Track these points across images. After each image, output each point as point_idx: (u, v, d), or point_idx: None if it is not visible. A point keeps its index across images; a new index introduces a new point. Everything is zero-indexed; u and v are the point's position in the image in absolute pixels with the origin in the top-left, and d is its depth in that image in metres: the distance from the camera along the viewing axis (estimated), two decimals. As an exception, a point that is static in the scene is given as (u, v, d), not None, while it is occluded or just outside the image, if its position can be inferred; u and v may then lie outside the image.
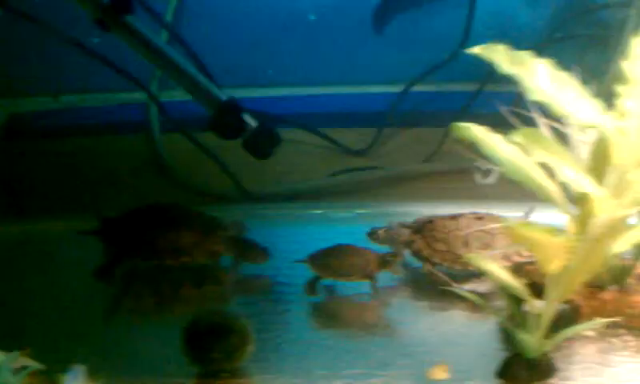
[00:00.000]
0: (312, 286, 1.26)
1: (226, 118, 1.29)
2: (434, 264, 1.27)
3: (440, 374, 1.08)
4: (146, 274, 1.32)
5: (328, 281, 1.27)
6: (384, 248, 1.30)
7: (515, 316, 1.08)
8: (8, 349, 1.02)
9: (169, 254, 1.27)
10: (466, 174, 1.52)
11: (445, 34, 1.82)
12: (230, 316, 1.12)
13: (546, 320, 1.04)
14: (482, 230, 1.26)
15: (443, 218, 1.29)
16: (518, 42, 1.72)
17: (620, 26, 1.60)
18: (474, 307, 1.17)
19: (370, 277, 1.25)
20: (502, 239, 1.25)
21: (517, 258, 1.25)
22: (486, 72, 1.72)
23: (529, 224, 0.98)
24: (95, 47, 1.80)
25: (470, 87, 1.78)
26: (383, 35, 1.87)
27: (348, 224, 1.49)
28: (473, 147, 1.11)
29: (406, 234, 1.30)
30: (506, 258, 1.24)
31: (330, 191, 1.60)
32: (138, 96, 1.90)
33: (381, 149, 1.74)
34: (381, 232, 1.31)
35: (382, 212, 1.51)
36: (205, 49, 1.68)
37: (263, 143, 1.33)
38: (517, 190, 1.39)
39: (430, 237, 1.27)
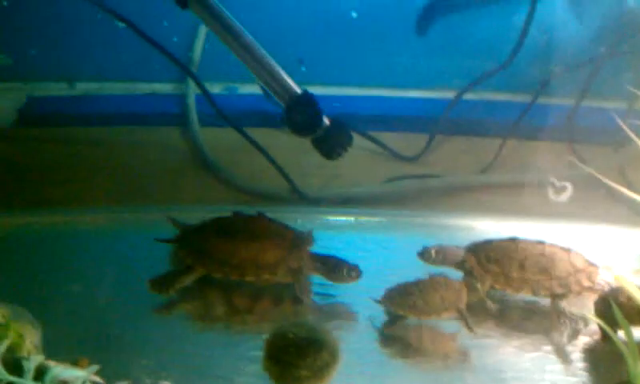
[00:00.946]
0: (392, 324, 1.16)
1: (302, 113, 1.21)
2: (485, 285, 1.20)
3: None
4: (220, 284, 1.23)
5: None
6: (436, 268, 1.23)
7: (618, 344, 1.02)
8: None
9: (250, 270, 1.18)
10: (526, 187, 1.49)
11: (494, 42, 1.77)
12: (318, 329, 1.03)
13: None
14: (541, 255, 1.20)
15: (502, 240, 1.24)
16: (567, 54, 1.72)
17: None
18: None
19: (461, 312, 1.15)
20: (560, 265, 1.20)
21: (576, 287, 1.19)
22: (539, 84, 1.73)
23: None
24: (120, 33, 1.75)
25: (522, 98, 1.73)
26: (430, 40, 1.81)
27: (406, 232, 1.43)
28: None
29: (459, 253, 1.24)
30: (563, 285, 1.19)
31: (386, 198, 1.52)
32: (160, 87, 1.84)
33: (431, 156, 1.67)
34: (432, 251, 1.24)
35: (439, 223, 1.45)
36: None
37: (335, 142, 1.25)
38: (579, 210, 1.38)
39: (484, 257, 1.21)
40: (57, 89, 1.85)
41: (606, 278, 1.20)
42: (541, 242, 1.22)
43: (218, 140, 1.66)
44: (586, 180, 1.36)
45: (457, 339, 1.15)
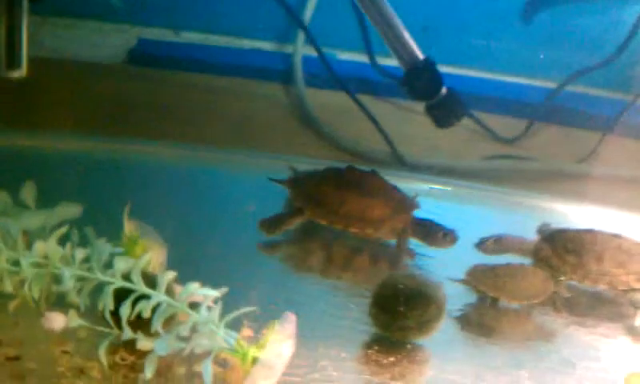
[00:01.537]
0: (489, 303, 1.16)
1: (422, 77, 1.24)
2: (561, 275, 1.20)
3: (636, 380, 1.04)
4: (321, 233, 1.27)
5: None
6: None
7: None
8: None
9: (355, 222, 1.22)
10: (623, 182, 1.51)
11: (600, 38, 1.77)
12: (428, 284, 1.06)
13: None
14: (618, 249, 1.20)
15: (578, 230, 1.23)
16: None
17: None
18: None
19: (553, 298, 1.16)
20: (637, 260, 1.19)
21: None
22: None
23: None
24: None
25: (624, 96, 1.73)
26: (536, 29, 1.82)
27: (501, 208, 1.46)
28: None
29: (523, 242, 1.24)
30: (637, 277, 1.18)
31: (484, 173, 1.55)
32: (263, 45, 1.89)
33: (530, 141, 1.69)
34: (490, 242, 1.24)
35: (533, 204, 1.48)
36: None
37: (449, 112, 1.28)
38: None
39: (562, 247, 1.20)
40: (164, 34, 1.92)
41: None
42: (617, 236, 1.22)
43: (321, 100, 1.71)
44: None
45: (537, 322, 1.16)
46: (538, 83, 1.80)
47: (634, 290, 1.18)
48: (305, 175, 1.30)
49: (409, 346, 1.05)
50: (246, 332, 0.99)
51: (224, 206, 1.33)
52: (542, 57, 1.78)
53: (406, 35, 1.25)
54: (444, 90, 1.27)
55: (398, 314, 1.03)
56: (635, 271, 1.18)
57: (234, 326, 0.95)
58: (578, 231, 1.22)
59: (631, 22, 1.68)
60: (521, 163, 1.60)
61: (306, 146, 1.60)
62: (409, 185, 1.47)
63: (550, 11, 1.82)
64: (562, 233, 1.22)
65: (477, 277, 1.15)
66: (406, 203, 1.25)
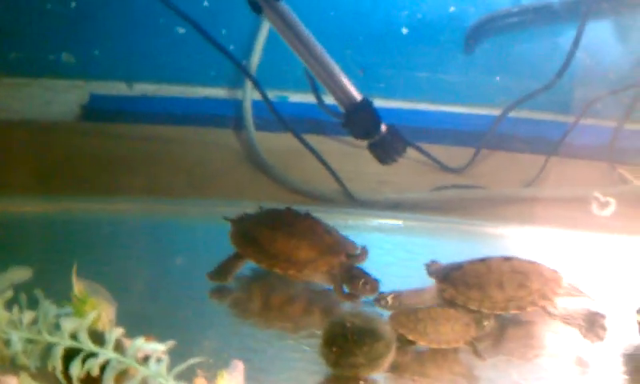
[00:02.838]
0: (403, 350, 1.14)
1: (360, 118, 1.28)
2: (470, 311, 1.19)
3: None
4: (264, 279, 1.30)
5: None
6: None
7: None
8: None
9: (280, 262, 1.23)
10: (568, 202, 1.55)
11: (540, 63, 1.83)
12: (375, 320, 1.09)
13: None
14: (514, 271, 1.21)
15: (471, 262, 1.23)
16: (611, 77, 1.78)
17: None
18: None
19: (471, 343, 1.15)
20: (533, 278, 1.21)
21: (552, 295, 1.21)
22: (583, 105, 1.78)
23: None
24: (182, 37, 1.84)
25: (565, 118, 1.79)
26: (478, 59, 1.88)
27: (451, 238, 1.50)
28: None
29: (420, 293, 1.22)
30: (542, 296, 1.20)
31: (433, 205, 1.59)
32: (215, 91, 1.93)
33: (477, 169, 1.74)
34: (389, 298, 1.21)
35: (482, 231, 1.52)
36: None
37: (390, 148, 1.32)
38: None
39: (462, 284, 1.20)
40: (117, 88, 1.95)
41: (572, 283, 1.23)
42: (507, 258, 1.23)
43: (271, 143, 1.74)
44: (627, 197, 1.41)
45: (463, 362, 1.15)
46: (482, 111, 1.85)
47: (542, 306, 1.20)
48: (248, 215, 1.32)
49: (361, 383, 1.07)
50: (199, 382, 1.00)
51: (177, 257, 1.34)
52: (497, 79, 1.84)
53: (342, 78, 1.29)
54: (383, 128, 1.31)
55: (347, 352, 1.05)
56: (536, 289, 1.20)
57: (188, 376, 0.96)
58: (471, 263, 1.22)
59: (567, 47, 1.74)
60: (468, 192, 1.64)
61: (258, 190, 1.63)
62: (359, 221, 1.52)
63: (491, 41, 1.88)
64: (456, 270, 1.22)
65: (399, 321, 1.14)
66: (335, 247, 1.25)
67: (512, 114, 1.82)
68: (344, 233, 1.33)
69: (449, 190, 1.63)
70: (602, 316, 1.17)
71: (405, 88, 1.85)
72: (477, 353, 1.14)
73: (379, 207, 1.57)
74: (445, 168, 1.75)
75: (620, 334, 1.19)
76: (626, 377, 1.11)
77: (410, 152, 1.73)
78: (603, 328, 1.16)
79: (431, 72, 1.85)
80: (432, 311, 1.15)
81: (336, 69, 1.29)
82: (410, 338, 1.13)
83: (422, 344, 1.14)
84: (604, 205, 1.39)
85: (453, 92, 1.86)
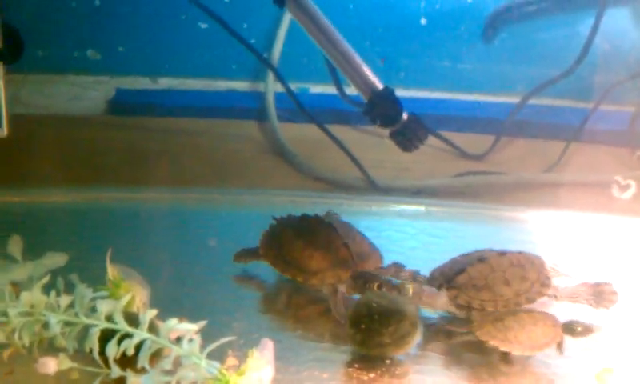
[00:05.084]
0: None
1: (382, 106, 1.30)
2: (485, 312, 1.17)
3: (606, 377, 1.08)
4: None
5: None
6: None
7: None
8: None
9: (291, 268, 1.25)
10: (592, 187, 1.57)
11: (558, 50, 1.85)
12: (400, 300, 1.11)
13: None
14: (512, 265, 1.20)
15: (470, 262, 1.21)
16: (630, 62, 1.79)
17: None
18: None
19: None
20: (530, 269, 1.20)
21: (549, 283, 1.20)
22: (602, 90, 1.80)
23: None
24: (204, 32, 1.88)
25: (584, 104, 1.80)
26: (497, 47, 1.90)
27: (473, 222, 1.52)
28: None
29: (436, 292, 1.19)
30: (543, 284, 1.20)
31: (454, 190, 1.62)
32: (237, 84, 1.96)
33: (497, 156, 1.76)
34: (411, 290, 1.18)
35: (503, 216, 1.54)
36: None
37: (412, 136, 1.34)
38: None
39: (471, 287, 1.18)
40: (141, 83, 1.99)
41: (553, 265, 1.25)
42: (502, 253, 1.22)
43: (294, 133, 1.78)
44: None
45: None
46: (502, 99, 1.87)
47: (547, 294, 1.20)
48: (287, 218, 1.34)
49: (388, 362, 1.09)
50: (231, 361, 1.03)
51: (206, 243, 1.38)
52: (517, 67, 1.85)
53: (363, 67, 1.31)
54: (405, 116, 1.33)
55: (374, 332, 1.08)
56: (537, 279, 1.20)
57: (220, 357, 1.00)
58: (472, 265, 1.20)
59: (586, 33, 1.75)
60: (489, 177, 1.66)
61: (282, 180, 1.66)
62: (382, 207, 1.55)
63: (509, 30, 1.90)
64: (460, 274, 1.19)
65: (488, 331, 1.12)
66: (348, 261, 1.24)
67: (532, 102, 1.84)
68: (366, 219, 1.36)
69: (470, 175, 1.65)
70: (606, 283, 1.19)
71: (425, 77, 1.88)
72: (560, 349, 1.12)
73: (401, 193, 1.60)
74: (465, 155, 1.77)
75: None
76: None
77: (431, 140, 1.75)
78: (612, 292, 1.18)
79: (451, 61, 1.87)
80: (518, 317, 1.14)
81: (357, 59, 1.31)
82: (503, 348, 1.11)
83: (517, 353, 1.11)
84: (624, 188, 1.40)
85: (472, 80, 1.88)
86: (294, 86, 1.89)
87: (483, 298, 1.17)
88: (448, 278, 1.19)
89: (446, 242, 1.37)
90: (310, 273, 1.23)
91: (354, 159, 1.65)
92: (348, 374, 1.07)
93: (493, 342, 1.10)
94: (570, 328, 1.14)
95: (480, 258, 1.21)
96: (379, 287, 1.18)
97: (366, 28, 1.85)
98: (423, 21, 1.86)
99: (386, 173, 1.67)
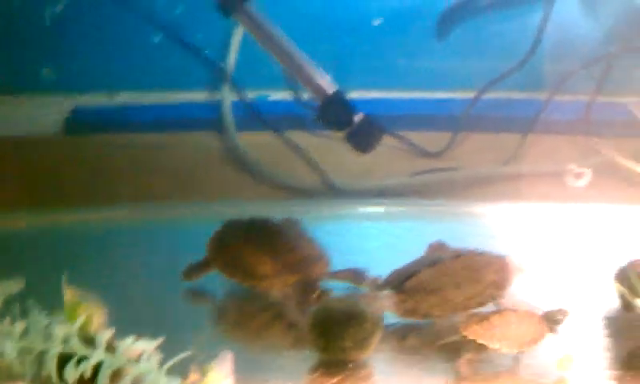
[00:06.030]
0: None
1: (333, 110, 1.31)
2: (431, 318, 1.17)
3: (564, 365, 1.09)
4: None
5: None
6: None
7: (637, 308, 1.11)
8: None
9: (238, 273, 1.24)
10: (549, 177, 1.59)
11: (512, 43, 1.86)
12: (359, 302, 1.11)
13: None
14: (463, 268, 1.19)
15: (423, 265, 1.19)
16: (583, 52, 1.81)
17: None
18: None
19: None
20: (484, 271, 1.19)
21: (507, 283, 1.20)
22: (556, 81, 1.81)
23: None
24: (158, 45, 1.87)
25: (539, 95, 1.82)
26: (450, 43, 1.90)
27: (433, 220, 1.53)
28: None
29: (384, 296, 1.17)
30: (499, 287, 1.19)
31: (413, 189, 1.62)
32: (195, 96, 1.95)
33: (455, 152, 1.77)
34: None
35: (463, 211, 1.55)
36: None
37: (367, 137, 1.34)
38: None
39: (421, 291, 1.17)
40: (98, 100, 1.97)
41: (523, 263, 1.24)
42: (457, 255, 1.21)
43: (253, 142, 1.77)
44: (601, 167, 1.44)
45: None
46: (459, 95, 1.88)
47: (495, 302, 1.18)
48: (232, 222, 1.32)
49: (351, 365, 1.09)
50: (193, 376, 1.03)
51: (165, 259, 1.37)
52: (472, 62, 1.84)
53: (313, 72, 1.31)
54: (358, 117, 1.33)
55: (335, 336, 1.08)
56: (492, 282, 1.18)
57: (181, 372, 0.99)
58: (423, 267, 1.18)
59: (536, 25, 1.77)
60: (447, 174, 1.67)
61: (244, 189, 1.66)
62: (343, 210, 1.55)
63: (463, 25, 1.91)
64: (411, 278, 1.17)
65: (474, 330, 1.10)
66: (297, 266, 1.23)
67: (488, 96, 1.85)
68: (328, 224, 1.36)
69: (428, 173, 1.66)
70: (559, 311, 1.15)
71: (380, 77, 1.88)
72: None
73: (362, 195, 1.60)
74: (424, 153, 1.77)
75: (599, 299, 1.22)
76: (609, 338, 1.15)
77: (390, 140, 1.78)
78: (556, 321, 1.15)
79: (405, 59, 1.87)
80: (504, 314, 1.12)
81: (307, 63, 1.32)
82: (492, 346, 1.10)
83: (507, 350, 1.10)
84: (578, 176, 1.42)
85: (428, 78, 1.89)
86: (253, 94, 1.89)
87: (431, 302, 1.16)
88: (398, 281, 1.18)
89: (406, 243, 1.38)
90: (257, 278, 1.22)
91: (313, 164, 1.65)
92: (312, 381, 1.07)
93: (481, 341, 1.10)
94: (553, 319, 1.14)
95: (433, 260, 1.20)
96: (318, 296, 1.18)
97: (318, 31, 1.85)
98: (376, 21, 1.87)
99: (347, 176, 1.67)
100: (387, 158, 1.73)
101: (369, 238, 1.41)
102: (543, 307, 1.15)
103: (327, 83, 1.32)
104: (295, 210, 1.49)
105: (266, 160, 1.71)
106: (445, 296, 1.16)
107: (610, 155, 1.44)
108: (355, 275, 1.21)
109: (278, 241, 1.24)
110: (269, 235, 1.26)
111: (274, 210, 1.45)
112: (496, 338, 1.10)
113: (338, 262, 1.28)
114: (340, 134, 1.41)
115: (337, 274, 1.23)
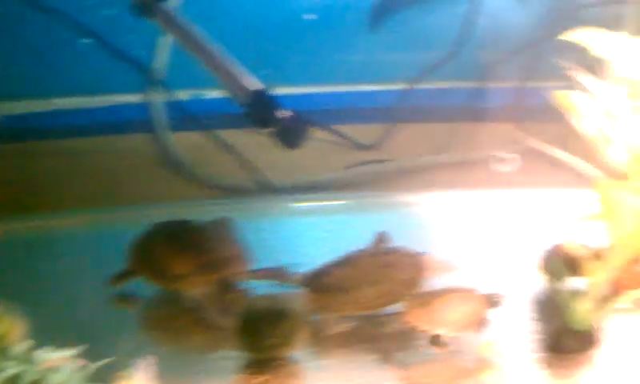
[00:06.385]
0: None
1: (256, 108, 1.30)
2: (346, 317, 1.17)
3: (489, 349, 1.10)
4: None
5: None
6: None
7: (561, 292, 1.13)
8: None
9: (152, 274, 1.22)
10: (479, 164, 1.60)
11: (443, 32, 1.87)
12: (284, 298, 1.11)
13: (594, 293, 1.09)
14: (380, 266, 1.18)
15: (339, 264, 1.18)
16: (511, 40, 1.83)
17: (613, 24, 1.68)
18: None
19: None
20: (403, 268, 1.18)
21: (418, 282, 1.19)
22: (485, 69, 1.83)
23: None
24: (86, 49, 1.84)
25: (470, 84, 1.84)
26: (383, 36, 1.91)
27: (367, 212, 1.53)
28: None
29: (299, 294, 1.16)
30: (410, 285, 1.17)
31: (347, 183, 1.63)
32: (125, 98, 1.92)
33: (390, 143, 1.78)
34: None
35: (396, 202, 1.55)
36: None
37: (294, 133, 1.34)
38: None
39: (335, 288, 1.15)
40: (29, 107, 1.93)
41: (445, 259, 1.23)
42: (373, 253, 1.21)
43: (187, 142, 1.75)
44: (530, 153, 1.46)
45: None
46: (393, 87, 1.89)
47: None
48: (153, 224, 1.29)
49: (279, 362, 1.09)
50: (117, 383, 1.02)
51: (94, 265, 1.35)
52: (405, 53, 1.84)
53: (236, 70, 1.30)
54: (283, 114, 1.33)
55: (262, 334, 1.07)
56: (406, 280, 1.17)
57: (106, 379, 0.97)
58: (339, 265, 1.17)
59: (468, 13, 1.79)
60: (377, 166, 1.68)
61: (176, 191, 1.64)
62: (277, 207, 1.55)
63: (395, 17, 1.92)
64: (325, 275, 1.16)
65: (416, 314, 1.10)
66: (214, 265, 1.21)
67: (422, 86, 1.87)
68: (263, 221, 1.36)
69: (359, 166, 1.67)
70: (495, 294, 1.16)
71: (313, 72, 1.88)
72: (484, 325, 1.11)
73: (296, 191, 1.59)
74: (359, 146, 1.78)
75: (526, 283, 1.24)
76: (535, 321, 1.17)
77: (325, 134, 1.79)
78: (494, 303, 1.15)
79: (338, 54, 1.88)
80: (445, 298, 1.12)
81: (230, 62, 1.31)
82: (434, 331, 1.10)
83: (449, 334, 1.10)
84: (504, 162, 1.43)
85: (361, 71, 1.89)
86: (188, 93, 1.87)
87: (343, 300, 1.15)
88: (313, 279, 1.17)
89: (338, 236, 1.38)
90: (175, 279, 1.21)
91: (245, 161, 1.63)
92: (242, 380, 1.07)
93: (421, 326, 1.10)
94: (493, 301, 1.14)
95: (348, 259, 1.19)
96: (235, 296, 1.18)
97: (249, 28, 1.84)
98: (307, 16, 1.87)
99: (281, 172, 1.66)
100: (322, 152, 1.73)
101: (303, 234, 1.40)
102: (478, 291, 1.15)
103: (250, 81, 1.31)
104: (229, 208, 1.47)
105: (200, 160, 1.70)
106: (356, 294, 1.15)
107: (534, 141, 1.45)
108: (274, 274, 1.20)
109: (196, 242, 1.23)
110: (187, 237, 1.24)
111: (208, 211, 1.44)
112: (437, 322, 1.10)
113: (273, 259, 1.27)
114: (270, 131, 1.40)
115: (256, 273, 1.22)
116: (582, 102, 1.04)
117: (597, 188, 1.01)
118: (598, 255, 1.09)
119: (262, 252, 1.29)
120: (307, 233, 1.44)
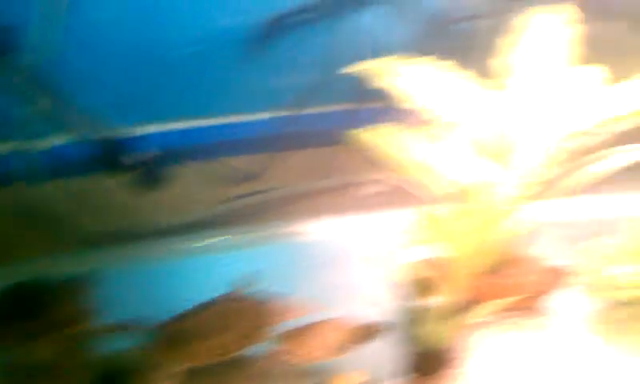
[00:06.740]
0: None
1: (110, 153, 1.28)
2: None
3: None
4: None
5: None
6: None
7: (413, 312, 1.12)
8: None
9: (10, 341, 1.18)
10: (352, 187, 1.60)
11: (326, 56, 1.87)
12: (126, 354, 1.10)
13: (443, 311, 1.09)
14: (229, 314, 1.18)
15: (194, 312, 1.19)
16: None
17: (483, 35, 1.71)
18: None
19: None
20: (239, 317, 1.19)
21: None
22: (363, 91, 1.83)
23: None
24: None
25: (353, 105, 1.83)
26: (266, 63, 1.90)
27: (250, 246, 1.51)
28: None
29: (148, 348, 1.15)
30: (246, 335, 1.17)
31: (229, 217, 1.60)
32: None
33: (274, 172, 1.76)
34: None
35: (276, 233, 1.54)
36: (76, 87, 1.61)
37: (149, 173, 1.32)
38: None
39: (180, 339, 1.16)
40: None
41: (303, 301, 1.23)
42: (233, 298, 1.22)
43: (42, 194, 1.65)
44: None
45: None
46: (279, 114, 1.88)
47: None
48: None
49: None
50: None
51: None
52: (290, 79, 1.83)
53: (83, 118, 1.28)
54: (128, 160, 1.31)
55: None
56: (242, 329, 1.17)
57: None
58: (193, 314, 1.18)
59: (351, 37, 1.78)
60: (264, 195, 1.67)
61: (38, 245, 1.55)
62: (158, 249, 1.51)
63: (275, 44, 1.91)
64: (177, 322, 1.18)
65: (290, 350, 1.13)
66: (65, 323, 1.20)
67: (307, 112, 1.86)
68: (133, 266, 1.32)
69: (237, 200, 1.65)
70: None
71: (193, 106, 1.86)
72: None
73: (170, 233, 1.56)
74: (245, 177, 1.76)
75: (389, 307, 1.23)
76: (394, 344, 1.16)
77: (209, 168, 1.76)
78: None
79: (218, 85, 1.86)
80: (315, 327, 1.15)
81: (76, 110, 1.28)
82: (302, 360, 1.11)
83: (315, 361, 1.12)
84: (370, 187, 1.44)
85: (245, 101, 1.88)
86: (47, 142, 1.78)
87: (191, 351, 1.14)
88: (165, 330, 1.17)
89: (218, 277, 1.35)
90: (24, 341, 1.17)
91: (117, 208, 1.59)
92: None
93: (294, 360, 1.11)
94: (365, 331, 1.16)
95: (205, 305, 1.19)
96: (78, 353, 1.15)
97: (125, 66, 1.79)
98: (187, 49, 1.85)
99: (155, 214, 1.61)
100: (206, 186, 1.71)
101: (173, 276, 1.38)
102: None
103: (101, 134, 1.29)
104: (96, 258, 1.45)
105: (60, 211, 1.63)
106: (211, 341, 1.14)
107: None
108: (121, 326, 1.18)
109: (43, 302, 1.21)
110: (34, 298, 1.22)
111: (73, 263, 1.41)
112: (303, 350, 1.12)
113: (142, 304, 1.25)
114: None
115: (105, 327, 1.20)
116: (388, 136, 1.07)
117: (423, 215, 1.01)
118: (443, 274, 1.09)
119: (134, 300, 1.27)
120: (181, 274, 1.41)
